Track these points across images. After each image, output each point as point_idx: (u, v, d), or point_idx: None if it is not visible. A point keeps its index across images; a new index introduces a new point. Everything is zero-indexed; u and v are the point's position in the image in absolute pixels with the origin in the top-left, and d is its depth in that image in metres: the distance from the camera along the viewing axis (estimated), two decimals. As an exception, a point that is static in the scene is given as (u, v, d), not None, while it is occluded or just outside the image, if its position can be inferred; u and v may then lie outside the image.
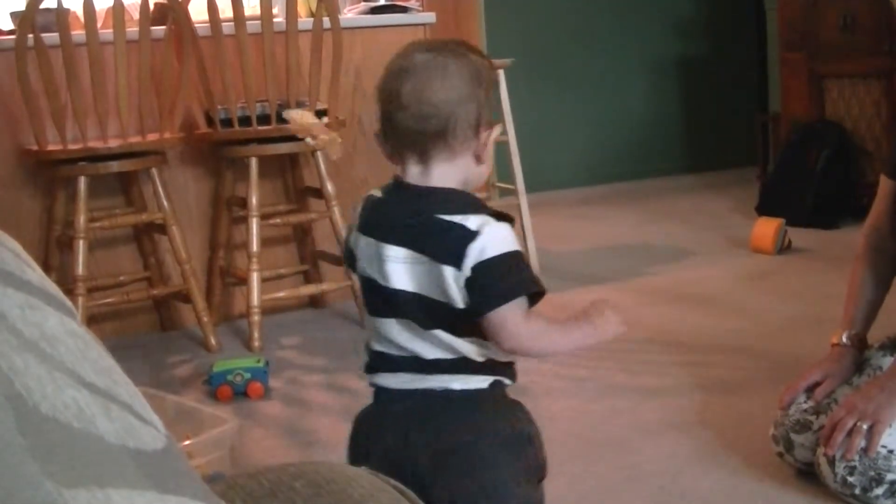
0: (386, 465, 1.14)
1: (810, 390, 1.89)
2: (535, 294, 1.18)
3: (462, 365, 1.20)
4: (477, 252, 1.13)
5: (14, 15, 3.13)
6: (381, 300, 1.21)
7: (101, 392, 0.49)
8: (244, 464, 2.14)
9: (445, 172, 1.20)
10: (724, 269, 3.68)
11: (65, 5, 2.76)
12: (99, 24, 2.85)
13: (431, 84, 1.18)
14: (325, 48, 3.04)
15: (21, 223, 3.07)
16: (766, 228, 3.88)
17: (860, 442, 1.70)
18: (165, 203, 3.00)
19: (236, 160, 3.22)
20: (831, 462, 1.73)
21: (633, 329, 2.00)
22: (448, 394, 1.19)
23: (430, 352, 1.19)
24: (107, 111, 2.88)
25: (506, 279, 1.15)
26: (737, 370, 2.55)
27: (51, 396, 0.46)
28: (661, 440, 2.12)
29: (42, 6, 2.73)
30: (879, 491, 1.68)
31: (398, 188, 1.23)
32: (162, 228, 3.06)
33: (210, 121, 3.19)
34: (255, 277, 3.04)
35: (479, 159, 1.22)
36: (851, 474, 1.71)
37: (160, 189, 3.00)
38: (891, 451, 1.69)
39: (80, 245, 2.86)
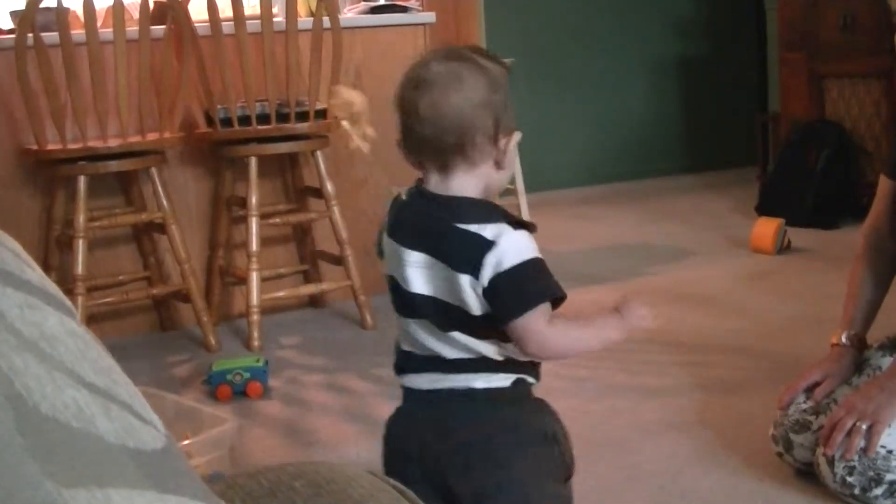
0: (419, 465, 1.21)
1: (810, 390, 1.89)
2: (557, 298, 1.20)
3: (483, 364, 1.22)
4: (494, 263, 1.15)
5: (14, 14, 3.13)
6: (402, 301, 1.24)
7: (100, 392, 0.49)
8: (244, 463, 2.14)
9: (465, 181, 1.21)
10: (724, 269, 3.69)
11: (65, 4, 2.75)
12: (99, 24, 2.85)
13: (448, 97, 1.18)
14: (324, 48, 3.04)
15: (21, 223, 3.07)
16: (766, 228, 3.88)
17: (859, 442, 1.70)
18: (165, 202, 3.00)
19: (236, 160, 3.22)
20: (830, 462, 1.73)
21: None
22: (471, 392, 1.22)
23: (450, 352, 1.22)
24: (106, 110, 2.88)
25: (526, 288, 1.16)
26: (737, 370, 2.55)
27: (50, 396, 0.46)
28: (661, 440, 2.12)
29: (42, 5, 2.73)
30: (879, 491, 1.68)
31: (420, 195, 1.24)
32: (161, 228, 3.06)
33: (210, 120, 3.19)
34: (254, 277, 3.04)
35: (498, 166, 1.23)
36: (851, 474, 1.71)
37: (160, 188, 3.00)
38: (890, 451, 1.69)
39: (80, 244, 2.86)
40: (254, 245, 3.04)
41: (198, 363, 2.93)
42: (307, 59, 3.06)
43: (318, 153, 3.15)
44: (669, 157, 6.26)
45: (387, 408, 2.53)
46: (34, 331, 0.48)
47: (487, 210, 1.20)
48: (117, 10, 2.78)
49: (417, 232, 1.21)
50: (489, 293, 1.16)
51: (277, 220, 3.25)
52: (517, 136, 1.25)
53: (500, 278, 1.15)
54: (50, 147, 2.91)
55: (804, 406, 1.88)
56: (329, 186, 3.15)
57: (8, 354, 0.46)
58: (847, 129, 4.45)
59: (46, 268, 3.02)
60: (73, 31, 2.79)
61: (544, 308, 1.18)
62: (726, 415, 2.24)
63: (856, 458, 1.70)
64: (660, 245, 4.22)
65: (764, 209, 4.42)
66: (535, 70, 5.71)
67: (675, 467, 1.97)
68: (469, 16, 5.28)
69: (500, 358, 1.22)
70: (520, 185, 3.73)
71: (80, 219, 2.86)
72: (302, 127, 3.07)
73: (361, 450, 2.19)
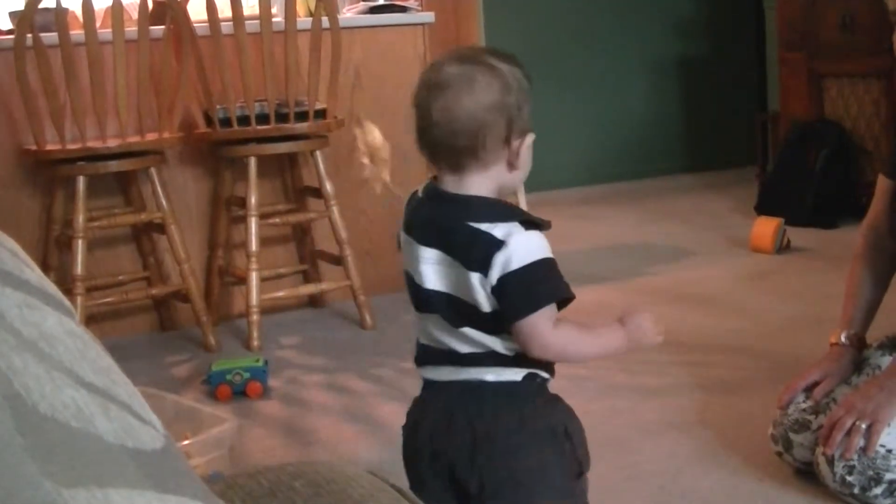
0: (429, 453, 1.25)
1: (809, 390, 1.89)
2: (564, 299, 1.22)
3: (494, 358, 1.24)
4: (503, 262, 1.17)
5: (13, 14, 3.13)
6: (418, 297, 1.27)
7: (99, 392, 0.48)
8: (243, 463, 2.14)
9: (478, 181, 1.23)
10: (723, 269, 3.69)
11: (63, 5, 2.75)
12: (98, 24, 2.85)
13: (460, 101, 1.20)
14: (324, 48, 3.04)
15: (20, 223, 3.06)
16: (766, 228, 3.88)
17: (859, 441, 1.70)
18: (164, 202, 3.00)
19: (235, 160, 3.22)
20: (830, 461, 1.73)
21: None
22: (482, 385, 1.24)
23: (462, 347, 1.25)
24: (106, 111, 2.87)
25: (532, 289, 1.18)
26: (737, 370, 2.55)
27: (49, 396, 0.46)
28: (660, 440, 2.12)
29: (41, 6, 2.73)
30: (878, 490, 1.68)
31: (435, 192, 1.27)
32: (161, 228, 3.06)
33: (209, 120, 3.19)
34: (254, 277, 3.04)
35: (511, 167, 1.25)
36: (850, 473, 1.71)
37: (159, 189, 3.00)
38: (889, 451, 1.69)
39: (79, 245, 2.86)
40: (253, 245, 3.04)
41: (197, 363, 2.93)
42: (306, 59, 3.06)
43: (318, 153, 3.15)
44: (669, 157, 6.26)
45: (387, 408, 2.51)
46: (33, 330, 0.48)
47: (500, 209, 1.23)
48: (116, 11, 2.78)
49: (431, 229, 1.24)
50: (497, 292, 1.18)
51: (277, 220, 3.25)
52: (531, 138, 1.26)
53: (508, 278, 1.17)
54: (49, 147, 2.91)
55: (804, 405, 1.88)
56: (328, 186, 3.15)
57: (7, 354, 0.46)
58: (846, 128, 4.45)
59: (46, 268, 3.01)
60: (72, 32, 2.79)
61: (550, 309, 1.20)
62: (726, 415, 2.24)
63: (855, 457, 1.70)
64: (660, 245, 4.22)
65: (763, 209, 4.42)
66: (535, 70, 5.58)
67: (675, 467, 1.97)
68: (469, 16, 5.27)
69: (510, 353, 1.24)
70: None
71: (80, 219, 2.86)
72: (301, 127, 3.07)
73: (361, 450, 2.19)
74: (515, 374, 1.25)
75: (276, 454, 2.21)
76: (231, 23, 2.93)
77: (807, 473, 1.84)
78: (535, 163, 1.30)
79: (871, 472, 1.69)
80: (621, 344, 1.27)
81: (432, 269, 1.23)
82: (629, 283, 3.55)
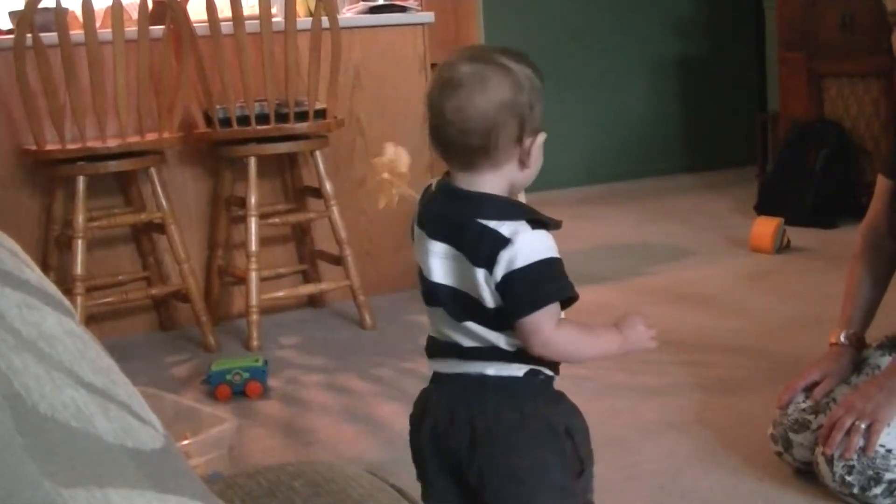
0: (432, 442, 1.27)
1: (809, 390, 1.89)
2: (568, 298, 1.23)
3: (496, 353, 1.25)
4: (508, 260, 1.18)
5: (13, 14, 3.13)
6: (426, 290, 1.29)
7: (99, 391, 0.48)
8: (243, 463, 2.14)
9: (489, 179, 1.25)
10: (723, 269, 3.68)
11: (63, 5, 2.75)
12: (98, 24, 2.85)
13: (472, 100, 1.21)
14: (323, 48, 3.04)
15: (20, 223, 3.06)
16: (765, 228, 3.88)
17: (858, 441, 1.70)
18: (164, 202, 3.00)
19: (235, 160, 3.22)
20: (830, 461, 1.73)
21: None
22: (483, 379, 1.26)
23: (465, 341, 1.26)
24: (105, 111, 2.87)
25: (536, 288, 1.20)
26: (736, 370, 2.55)
27: (49, 396, 0.46)
28: (660, 440, 2.12)
29: (41, 6, 2.73)
30: (878, 490, 1.69)
31: (447, 189, 1.28)
32: (161, 228, 3.06)
33: (209, 120, 3.19)
34: (253, 277, 3.04)
35: (523, 165, 1.26)
36: (850, 473, 1.71)
37: (159, 189, 3.00)
38: (889, 451, 1.69)
39: (79, 245, 2.86)
40: (253, 245, 3.04)
41: (197, 363, 2.93)
42: (306, 59, 3.06)
43: (318, 153, 3.15)
44: (669, 157, 6.26)
45: (386, 408, 2.51)
46: (33, 330, 0.48)
47: (509, 207, 1.24)
48: (116, 11, 2.78)
49: (443, 224, 1.25)
50: (501, 289, 1.20)
51: (276, 219, 3.25)
52: (542, 137, 1.26)
53: (512, 276, 1.18)
54: (49, 147, 2.91)
55: (803, 405, 1.88)
56: (328, 186, 3.15)
57: (7, 354, 0.46)
58: (846, 128, 4.45)
59: (45, 268, 3.01)
60: (71, 32, 2.79)
61: (552, 309, 1.21)
62: (726, 414, 2.24)
63: (855, 457, 1.70)
64: (659, 245, 4.22)
65: (763, 209, 4.42)
66: (534, 70, 5.70)
67: (675, 467, 1.97)
68: (469, 16, 5.27)
69: (512, 349, 1.25)
70: (519, 184, 3.73)
71: (80, 219, 2.86)
72: (301, 127, 3.07)
73: (361, 450, 2.19)
74: (517, 370, 1.26)
75: (276, 454, 2.21)
76: (231, 23, 2.93)
77: (806, 473, 1.85)
78: (535, 163, 1.30)
79: (870, 472, 1.69)
80: (618, 347, 1.29)
81: (440, 263, 1.25)
82: (629, 283, 3.55)
